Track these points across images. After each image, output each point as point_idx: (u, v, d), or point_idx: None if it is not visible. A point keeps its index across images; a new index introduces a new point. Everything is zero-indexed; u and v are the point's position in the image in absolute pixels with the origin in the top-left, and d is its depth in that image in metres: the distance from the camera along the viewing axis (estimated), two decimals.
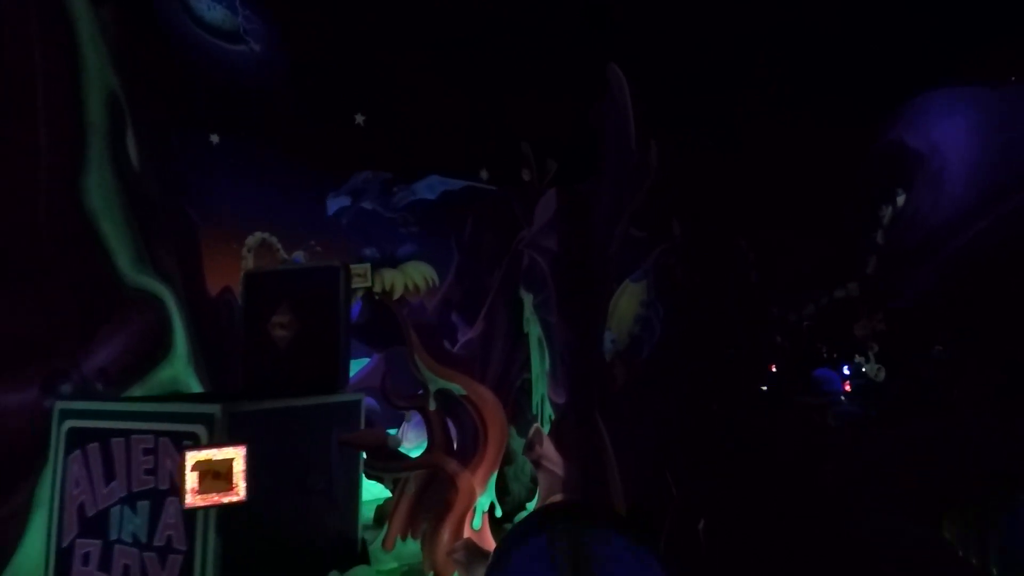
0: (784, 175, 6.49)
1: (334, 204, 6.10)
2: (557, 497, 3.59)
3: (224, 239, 5.63)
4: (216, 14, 5.68)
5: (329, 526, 2.69)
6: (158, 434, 2.32)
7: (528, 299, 4.46)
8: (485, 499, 4.02)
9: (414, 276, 5.15)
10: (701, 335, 4.31)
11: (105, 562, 2.34)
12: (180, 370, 4.22)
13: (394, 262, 5.14)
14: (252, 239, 5.89)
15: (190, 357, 4.41)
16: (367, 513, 4.12)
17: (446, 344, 5.81)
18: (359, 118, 6.45)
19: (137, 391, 3.80)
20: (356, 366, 7.01)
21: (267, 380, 3.25)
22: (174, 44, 5.29)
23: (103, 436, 2.41)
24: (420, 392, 4.08)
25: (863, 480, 3.25)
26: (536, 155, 5.20)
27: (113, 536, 2.34)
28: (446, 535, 3.63)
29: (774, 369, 5.35)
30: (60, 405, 2.54)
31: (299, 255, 4.90)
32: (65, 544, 2.43)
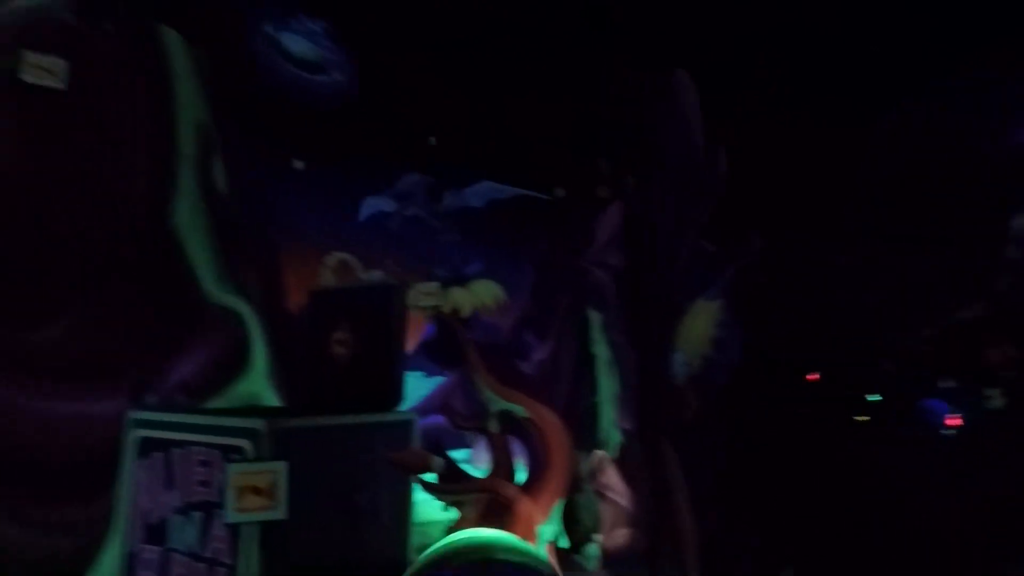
0: (891, 182, 5.89)
1: (370, 207, 6.14)
2: (622, 531, 3.35)
3: (306, 259, 5.88)
4: (301, 47, 6.01)
5: (375, 547, 2.63)
6: (211, 447, 2.38)
7: (595, 318, 4.28)
8: (548, 528, 3.83)
9: (482, 295, 5.10)
10: (788, 359, 3.94)
11: (163, 569, 2.41)
12: (259, 384, 4.39)
13: (462, 281, 5.11)
14: (331, 259, 6.10)
15: (269, 371, 4.60)
16: (433, 534, 4.07)
17: (520, 365, 5.71)
18: (432, 140, 6.56)
19: (216, 403, 3.99)
20: (432, 384, 7.10)
21: (327, 397, 3.28)
22: (262, 76, 5.65)
23: (166, 446, 2.50)
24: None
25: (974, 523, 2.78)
26: (584, 164, 5.02)
27: (171, 544, 2.40)
28: None
29: (877, 398, 4.79)
30: (132, 414, 2.67)
31: (376, 275, 4.99)
32: (133, 549, 2.53)
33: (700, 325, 3.92)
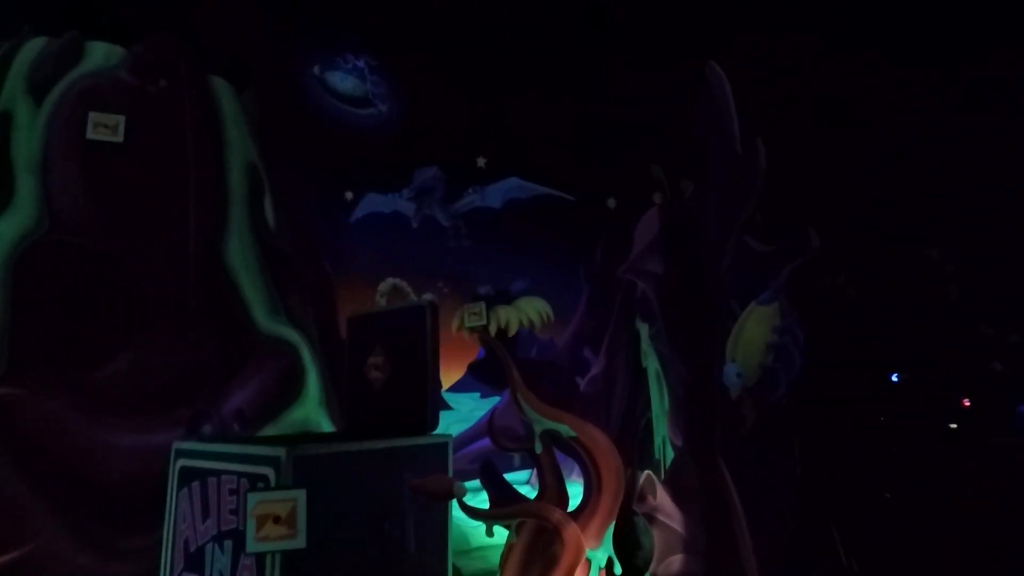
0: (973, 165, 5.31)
1: (366, 207, 6.10)
2: (676, 558, 3.11)
3: (359, 286, 6.05)
4: (348, 84, 6.27)
5: (405, 573, 2.57)
6: (240, 475, 2.42)
7: (644, 330, 4.08)
8: (602, 554, 3.64)
9: (529, 312, 5.03)
10: (861, 364, 3.57)
11: None
12: (312, 411, 4.50)
13: (508, 298, 5.07)
14: (384, 285, 6.25)
15: (322, 399, 4.71)
16: (492, 559, 3.97)
17: (577, 383, 5.53)
18: (481, 161, 6.63)
19: (270, 431, 4.11)
20: (488, 405, 7.05)
21: (364, 421, 3.29)
22: (311, 114, 5.93)
23: (203, 475, 2.57)
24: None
25: None
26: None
27: (207, 572, 2.45)
28: None
29: (967, 404, 4.23)
30: (176, 444, 2.77)
31: (428, 297, 5.04)
32: None
33: (754, 332, 3.63)
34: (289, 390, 4.34)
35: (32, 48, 4.00)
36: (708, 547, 3.13)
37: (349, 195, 6.20)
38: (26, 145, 3.77)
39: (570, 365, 6.17)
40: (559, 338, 6.74)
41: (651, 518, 3.15)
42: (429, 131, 6.45)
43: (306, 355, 4.64)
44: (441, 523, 2.87)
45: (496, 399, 6.88)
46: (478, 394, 6.85)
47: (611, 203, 6.83)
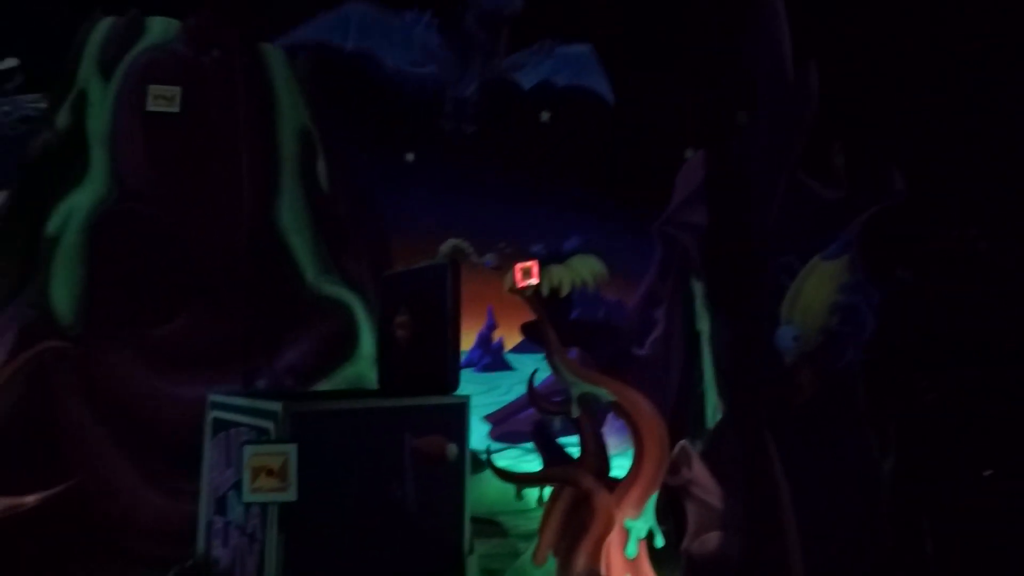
0: None
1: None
2: (713, 538, 2.87)
3: (420, 247, 6.09)
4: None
5: (405, 535, 2.56)
6: (251, 428, 2.50)
7: (698, 289, 3.74)
8: (642, 524, 3.46)
9: (581, 271, 4.77)
10: (960, 329, 3.04)
11: (226, 539, 2.61)
12: (365, 368, 4.63)
13: (561, 257, 4.84)
14: (445, 245, 6.24)
15: (376, 356, 4.84)
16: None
17: (635, 347, 5.26)
18: (544, 115, 6.36)
19: (324, 387, 4.28)
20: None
21: (392, 380, 3.31)
22: (368, 75, 5.95)
23: (227, 426, 2.70)
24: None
25: None
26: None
27: (229, 517, 2.59)
28: (581, 560, 3.21)
29: None
30: (211, 396, 2.93)
31: (489, 258, 4.98)
32: (209, 519, 2.79)
33: (817, 291, 3.18)
34: (342, 348, 4.49)
35: (101, 28, 4.29)
36: (749, 527, 2.86)
37: (410, 156, 6.22)
38: (98, 120, 4.08)
39: (639, 327, 5.88)
40: (629, 299, 6.44)
41: (685, 491, 2.92)
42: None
43: (359, 314, 4.75)
44: (456, 486, 2.82)
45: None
46: (543, 355, 6.75)
47: (689, 154, 6.31)
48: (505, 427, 5.89)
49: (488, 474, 4.05)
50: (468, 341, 6.55)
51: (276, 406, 2.38)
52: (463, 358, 7.44)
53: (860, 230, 3.11)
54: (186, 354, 3.84)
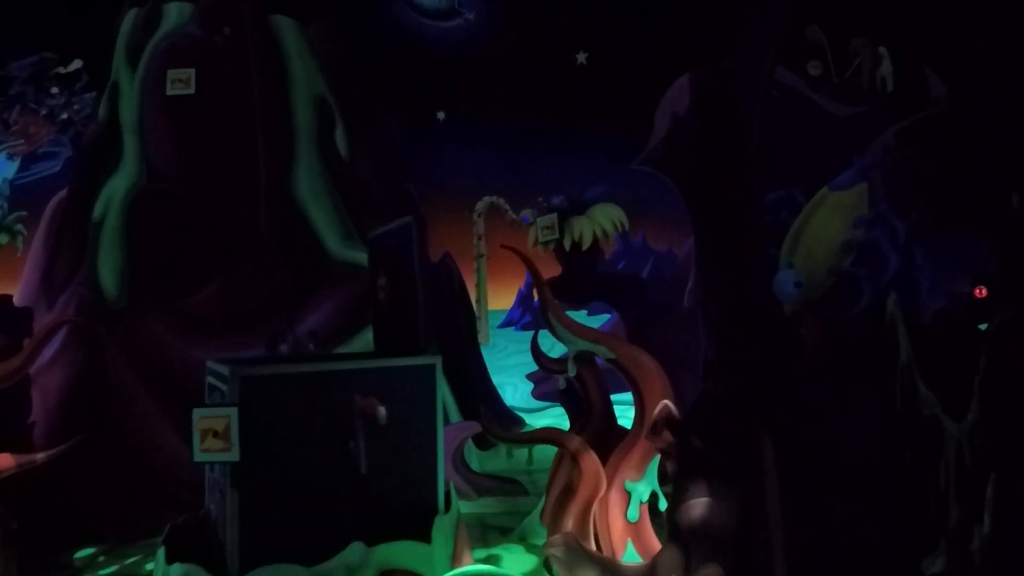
0: None
1: None
2: (699, 504, 2.63)
3: (455, 207, 6.04)
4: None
5: (361, 494, 2.58)
6: (220, 392, 2.63)
7: None
8: (644, 487, 3.26)
9: (602, 222, 4.49)
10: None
11: (213, 491, 2.81)
12: None
13: (581, 207, 4.58)
14: (481, 204, 6.14)
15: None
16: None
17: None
18: (581, 57, 5.94)
19: (344, 350, 4.43)
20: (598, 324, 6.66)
21: (381, 342, 3.33)
22: (392, 35, 5.85)
23: (213, 390, 2.86)
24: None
25: None
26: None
27: (215, 475, 2.77)
28: (569, 522, 3.10)
29: None
30: (208, 363, 3.10)
31: (526, 214, 4.82)
32: (210, 473, 3.00)
33: (824, 226, 2.70)
34: (362, 312, 4.60)
35: (128, 20, 4.57)
36: (737, 492, 2.57)
37: (441, 115, 6.12)
38: (128, 109, 4.40)
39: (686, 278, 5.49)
40: (679, 248, 6.00)
41: (667, 454, 2.68)
42: (524, 35, 5.95)
43: None
44: (427, 447, 2.81)
45: (606, 317, 6.49)
46: (584, 312, 6.53)
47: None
48: (547, 386, 5.81)
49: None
50: (508, 300, 6.47)
51: (226, 369, 2.47)
52: (504, 317, 7.37)
53: (884, 152, 2.60)
54: (214, 321, 4.12)
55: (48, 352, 4.09)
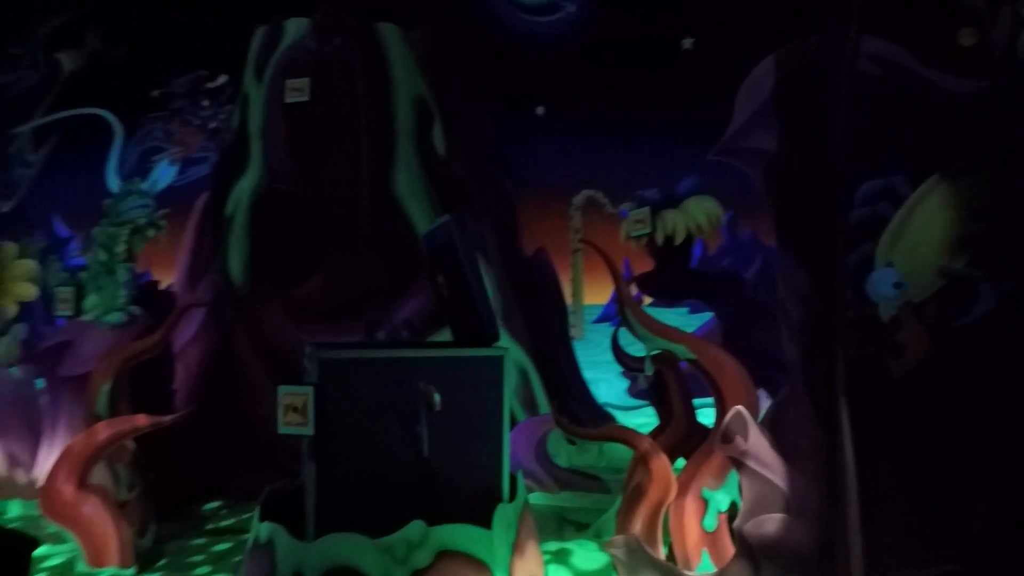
0: None
1: None
2: (773, 520, 2.44)
3: (553, 202, 6.02)
4: None
5: (426, 477, 2.69)
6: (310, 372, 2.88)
7: None
8: (723, 496, 3.08)
9: (696, 215, 4.24)
10: None
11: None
12: None
13: (674, 201, 4.36)
14: (578, 198, 6.05)
15: (497, 312, 5.03)
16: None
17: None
18: (687, 43, 5.65)
19: (437, 339, 4.63)
20: (699, 321, 6.30)
21: (457, 335, 3.44)
22: (493, 34, 5.94)
23: (304, 369, 3.14)
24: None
25: None
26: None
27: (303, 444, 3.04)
28: (636, 525, 3.00)
29: None
30: (306, 346, 3.39)
31: (625, 207, 4.76)
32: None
33: (934, 220, 2.32)
34: None
35: (256, 38, 5.10)
36: (819, 511, 2.34)
37: (540, 110, 6.13)
38: (255, 116, 4.92)
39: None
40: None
41: (738, 464, 2.50)
42: (626, 23, 5.80)
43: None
44: (493, 436, 2.87)
45: (709, 315, 6.13)
46: (687, 309, 6.22)
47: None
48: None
49: None
50: (606, 295, 6.34)
51: (310, 352, 2.71)
52: (600, 312, 7.24)
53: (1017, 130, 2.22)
54: (320, 308, 4.51)
55: (190, 331, 4.74)
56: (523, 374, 5.04)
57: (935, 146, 2.33)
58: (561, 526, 3.84)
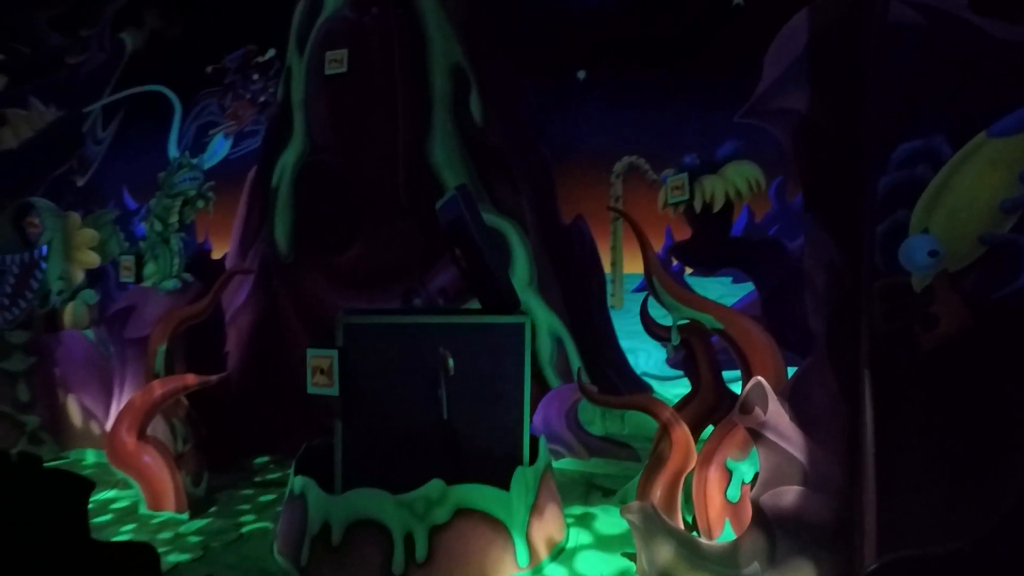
0: None
1: None
2: (790, 492, 2.39)
3: (593, 169, 5.90)
4: None
5: (446, 438, 2.78)
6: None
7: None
8: (748, 467, 3.04)
9: (736, 181, 4.05)
10: None
11: None
12: (519, 290, 4.90)
13: (714, 166, 4.19)
14: (619, 164, 5.90)
15: (532, 279, 5.04)
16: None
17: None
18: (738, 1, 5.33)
19: (470, 306, 4.70)
20: (742, 290, 6.08)
21: (484, 303, 3.48)
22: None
23: (332, 335, 3.28)
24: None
25: None
26: None
27: None
28: (656, 493, 3.00)
29: None
30: (338, 315, 3.54)
31: (667, 173, 4.66)
32: None
33: (977, 182, 2.12)
34: None
35: (298, 11, 5.20)
36: (838, 486, 2.27)
37: (581, 74, 5.99)
38: (297, 89, 5.04)
39: None
40: None
41: (756, 435, 2.45)
42: None
43: (514, 240, 5.01)
44: (514, 402, 2.94)
45: (750, 285, 5.91)
46: (730, 279, 6.04)
47: None
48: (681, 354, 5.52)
49: None
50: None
51: (338, 317, 2.83)
52: (639, 281, 7.11)
53: None
54: (358, 276, 4.66)
55: (240, 298, 5.01)
56: (559, 342, 5.06)
57: (981, 101, 2.14)
58: (589, 491, 3.90)
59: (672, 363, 5.87)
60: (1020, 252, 2.12)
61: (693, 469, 3.09)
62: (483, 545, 2.73)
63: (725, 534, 3.06)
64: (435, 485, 2.68)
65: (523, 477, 2.88)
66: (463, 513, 2.71)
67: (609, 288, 5.90)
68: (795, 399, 2.46)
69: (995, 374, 2.12)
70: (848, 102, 2.32)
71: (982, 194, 2.18)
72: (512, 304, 3.08)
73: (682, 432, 3.00)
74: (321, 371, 2.72)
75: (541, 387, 4.66)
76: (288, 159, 4.98)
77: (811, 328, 2.45)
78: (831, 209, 2.36)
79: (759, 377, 2.49)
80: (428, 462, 2.78)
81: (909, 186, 2.29)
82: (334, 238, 4.76)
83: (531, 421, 3.59)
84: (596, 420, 4.97)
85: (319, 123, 4.89)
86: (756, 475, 3.21)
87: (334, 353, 2.69)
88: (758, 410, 2.48)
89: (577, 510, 3.59)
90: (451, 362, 2.64)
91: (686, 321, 3.34)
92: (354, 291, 4.60)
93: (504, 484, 2.84)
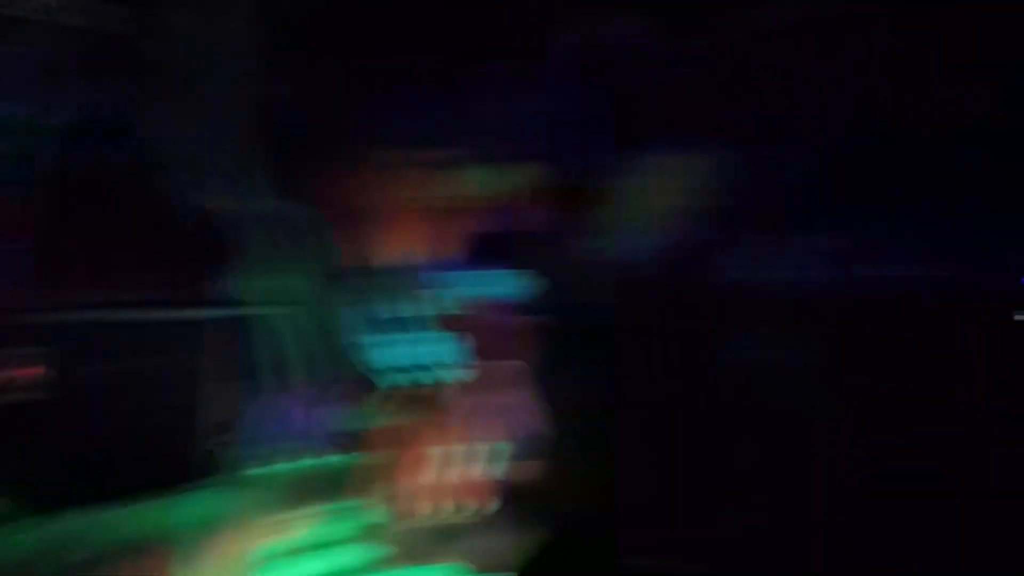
0: None
1: None
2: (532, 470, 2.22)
3: (398, 161, 5.56)
4: None
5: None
6: None
7: None
8: (490, 447, 2.86)
9: (513, 175, 3.92)
10: None
11: None
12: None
13: (486, 161, 4.03)
14: (408, 155, 5.59)
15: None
16: None
17: None
18: None
19: None
20: None
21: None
22: None
23: None
24: None
25: None
26: None
27: None
28: (386, 482, 2.76)
29: None
30: None
31: (455, 164, 4.41)
32: None
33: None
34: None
35: None
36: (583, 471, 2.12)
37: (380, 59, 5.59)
38: None
39: None
40: None
41: (498, 414, 2.27)
42: None
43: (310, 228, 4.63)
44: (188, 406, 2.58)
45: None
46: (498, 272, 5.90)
47: None
48: None
49: None
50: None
51: None
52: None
53: None
54: None
55: None
56: (300, 338, 4.80)
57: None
58: (316, 492, 3.61)
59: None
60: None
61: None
62: None
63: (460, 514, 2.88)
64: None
65: (201, 493, 2.52)
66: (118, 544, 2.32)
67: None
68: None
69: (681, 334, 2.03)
70: None
71: None
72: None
73: (417, 419, 2.76)
74: None
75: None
76: None
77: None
78: None
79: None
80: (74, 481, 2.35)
81: None
82: None
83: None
84: (346, 417, 4.74)
85: None
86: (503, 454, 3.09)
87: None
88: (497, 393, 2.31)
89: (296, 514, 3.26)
90: None
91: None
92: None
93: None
